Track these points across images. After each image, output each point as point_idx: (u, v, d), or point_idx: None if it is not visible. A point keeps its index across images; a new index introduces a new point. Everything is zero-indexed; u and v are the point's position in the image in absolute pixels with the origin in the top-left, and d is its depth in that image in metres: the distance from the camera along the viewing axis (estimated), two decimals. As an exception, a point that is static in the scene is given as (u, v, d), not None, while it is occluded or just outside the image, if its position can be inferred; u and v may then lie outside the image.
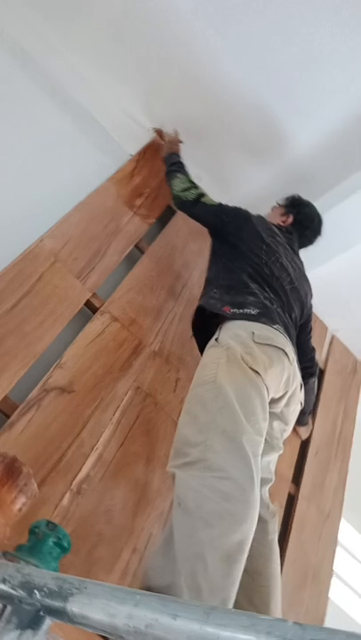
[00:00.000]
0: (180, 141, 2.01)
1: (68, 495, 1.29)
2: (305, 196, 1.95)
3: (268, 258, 1.56)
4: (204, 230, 1.83)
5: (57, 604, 0.48)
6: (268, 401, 1.27)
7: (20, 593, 0.50)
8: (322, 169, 2.15)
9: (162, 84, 2.12)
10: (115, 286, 1.72)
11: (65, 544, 0.84)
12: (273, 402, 1.34)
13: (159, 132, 2.13)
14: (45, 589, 0.49)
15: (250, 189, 2.31)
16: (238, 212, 1.69)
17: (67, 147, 1.99)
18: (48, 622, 0.49)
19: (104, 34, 2.02)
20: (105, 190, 1.87)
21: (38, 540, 0.82)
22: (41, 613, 0.49)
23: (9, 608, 0.51)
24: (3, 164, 1.75)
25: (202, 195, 1.74)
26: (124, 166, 2.00)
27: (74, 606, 0.46)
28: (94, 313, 1.61)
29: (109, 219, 1.82)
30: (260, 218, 1.73)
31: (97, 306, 1.62)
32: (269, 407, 1.31)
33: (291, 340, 1.44)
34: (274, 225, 1.75)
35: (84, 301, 1.59)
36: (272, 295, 1.49)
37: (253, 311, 1.39)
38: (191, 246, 2.09)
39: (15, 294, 1.44)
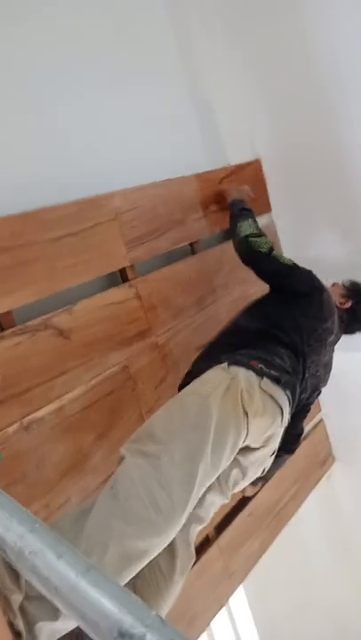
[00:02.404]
0: (251, 195, 1.93)
1: (16, 425, 1.31)
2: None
3: (315, 341, 1.52)
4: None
5: None
6: (240, 445, 1.27)
7: None
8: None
9: (294, 118, 2.15)
10: (154, 269, 1.75)
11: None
12: (245, 450, 1.32)
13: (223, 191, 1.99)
14: None
15: (319, 255, 2.31)
16: (313, 283, 1.59)
17: (181, 127, 2.03)
18: None
19: (267, 49, 2.07)
20: (190, 182, 1.90)
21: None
22: None
23: None
24: (124, 117, 1.78)
25: (273, 248, 1.62)
26: (218, 170, 2.03)
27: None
28: (123, 282, 1.63)
29: (181, 208, 1.85)
30: (329, 295, 1.64)
31: (129, 277, 1.65)
32: (240, 454, 1.31)
33: (292, 408, 1.43)
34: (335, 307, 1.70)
35: (120, 267, 1.62)
36: (299, 368, 1.47)
37: (275, 373, 1.38)
38: (238, 272, 2.09)
39: (64, 229, 1.47)
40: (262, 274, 1.63)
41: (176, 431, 1.17)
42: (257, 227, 1.68)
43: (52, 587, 0.40)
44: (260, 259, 1.60)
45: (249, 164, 2.18)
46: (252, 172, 2.19)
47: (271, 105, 2.18)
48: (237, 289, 2.06)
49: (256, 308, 1.64)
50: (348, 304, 1.74)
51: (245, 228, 1.65)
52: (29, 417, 1.33)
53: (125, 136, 1.78)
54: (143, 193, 1.72)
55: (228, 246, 2.07)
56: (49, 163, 1.53)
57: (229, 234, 1.76)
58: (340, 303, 1.74)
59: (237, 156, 2.18)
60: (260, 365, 1.38)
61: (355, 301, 1.75)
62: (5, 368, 1.29)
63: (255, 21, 2.06)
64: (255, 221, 1.70)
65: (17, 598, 0.89)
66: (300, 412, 1.64)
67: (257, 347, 1.45)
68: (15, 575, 0.89)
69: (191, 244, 1.92)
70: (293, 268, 1.59)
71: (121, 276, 1.65)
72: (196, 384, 1.35)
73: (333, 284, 1.81)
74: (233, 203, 1.80)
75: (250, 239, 1.62)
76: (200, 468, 1.12)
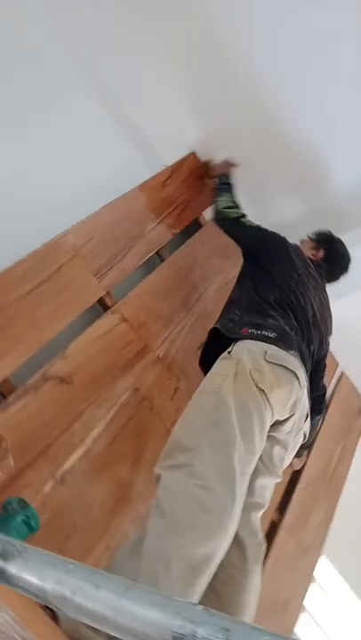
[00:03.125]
0: (234, 164, 2.06)
1: (50, 482, 1.31)
2: (334, 230, 1.97)
3: (297, 287, 1.56)
4: (230, 248, 1.86)
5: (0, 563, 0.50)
6: (269, 422, 1.27)
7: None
8: (354, 207, 2.16)
9: (214, 102, 2.16)
10: (130, 288, 1.76)
11: (33, 524, 0.87)
12: (277, 424, 1.33)
13: (207, 164, 2.18)
14: (-9, 548, 0.51)
15: (283, 215, 2.33)
16: (276, 237, 1.71)
17: (106, 147, 2.05)
18: (-12, 580, 0.51)
19: (168, 46, 2.08)
20: (135, 195, 1.92)
21: (8, 515, 0.85)
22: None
23: None
24: (44, 155, 1.81)
25: (243, 215, 1.79)
26: (157, 175, 2.05)
27: (12, 568, 0.49)
28: (105, 311, 1.65)
29: (135, 223, 1.87)
30: (296, 247, 1.73)
31: (109, 304, 1.66)
32: (273, 430, 1.31)
33: (305, 367, 1.44)
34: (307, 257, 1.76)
35: (97, 298, 1.64)
36: (294, 323, 1.49)
37: (271, 334, 1.40)
38: (213, 261, 2.12)
39: (32, 281, 1.49)
40: (234, 236, 1.79)
41: (199, 433, 1.18)
42: (232, 199, 1.87)
43: (100, 617, 0.41)
44: (230, 225, 1.80)
45: (185, 159, 2.20)
46: (191, 166, 2.21)
47: (188, 96, 2.20)
48: (217, 278, 2.08)
49: (238, 282, 1.69)
50: (321, 253, 1.77)
51: (222, 200, 1.86)
52: (60, 470, 1.34)
53: (57, 171, 1.81)
54: (94, 222, 1.74)
55: (193, 240, 2.10)
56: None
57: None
58: (313, 256, 1.76)
59: (172, 156, 2.19)
60: (249, 330, 1.40)
61: (326, 248, 1.77)
62: (21, 431, 1.30)
63: (155, 21, 2.08)
64: (232, 194, 1.90)
65: None
66: (317, 369, 1.64)
67: (248, 313, 1.47)
68: None
69: (157, 253, 1.94)
70: (258, 228, 1.73)
71: (101, 306, 1.67)
72: (204, 382, 1.36)
73: (301, 242, 1.83)
74: (221, 177, 2.00)
75: (223, 210, 1.82)
76: (235, 459, 1.13)
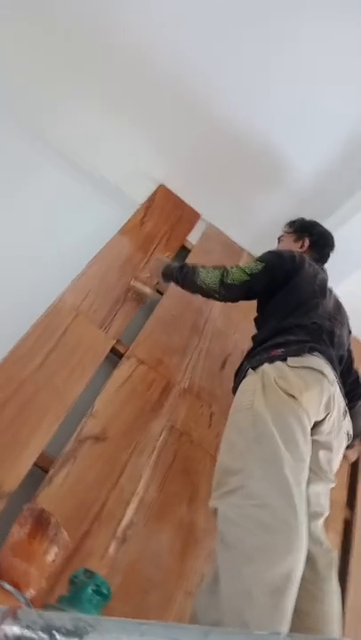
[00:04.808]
0: (167, 255, 1.94)
1: (113, 544, 1.29)
2: (315, 216, 1.98)
3: (317, 299, 1.52)
4: (220, 263, 1.86)
5: (74, 643, 0.48)
6: (308, 426, 1.25)
7: (42, 636, 0.52)
8: (329, 189, 2.17)
9: (168, 132, 2.22)
10: (138, 330, 1.77)
11: (104, 591, 0.85)
12: (316, 427, 1.30)
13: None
14: (63, 630, 0.50)
15: (265, 219, 2.35)
16: (291, 255, 1.60)
17: (79, 205, 2.10)
18: (70, 663, 0.50)
19: (109, 91, 2.15)
20: (118, 241, 1.95)
21: (78, 590, 0.83)
22: (61, 655, 0.49)
23: (35, 653, 0.52)
24: (22, 228, 1.86)
25: (243, 270, 1.56)
26: (133, 216, 2.08)
27: (89, 643, 0.47)
28: (120, 359, 1.65)
29: (125, 267, 1.89)
30: (301, 255, 1.64)
31: (122, 352, 1.66)
32: (313, 434, 1.28)
33: (331, 364, 1.40)
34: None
35: (108, 349, 1.64)
36: (314, 332, 1.45)
37: (291, 348, 1.38)
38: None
39: (43, 350, 1.50)
40: (260, 293, 1.61)
41: (244, 453, 1.16)
42: (210, 268, 1.61)
43: (188, 673, 0.39)
44: (251, 285, 1.55)
45: (155, 193, 2.23)
46: (163, 198, 2.25)
47: (142, 133, 2.24)
48: (211, 305, 2.08)
49: (262, 317, 1.64)
50: (306, 242, 1.76)
51: (206, 276, 1.58)
52: (120, 528, 1.32)
53: (38, 241, 1.85)
54: (87, 277, 1.76)
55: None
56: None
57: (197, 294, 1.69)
58: (301, 248, 1.75)
59: (143, 193, 2.24)
60: (280, 350, 1.37)
61: (308, 236, 1.77)
62: (71, 500, 1.29)
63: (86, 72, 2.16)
64: (203, 268, 1.62)
65: None
66: (345, 358, 1.61)
67: (269, 339, 1.45)
68: None
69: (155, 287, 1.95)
70: (266, 265, 1.57)
71: (115, 355, 1.67)
72: (235, 401, 1.35)
73: (280, 240, 1.83)
74: (165, 271, 1.74)
75: (227, 282, 1.55)
76: (286, 470, 1.10)
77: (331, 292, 1.64)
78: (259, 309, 1.66)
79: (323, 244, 1.78)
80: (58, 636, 0.50)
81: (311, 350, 1.35)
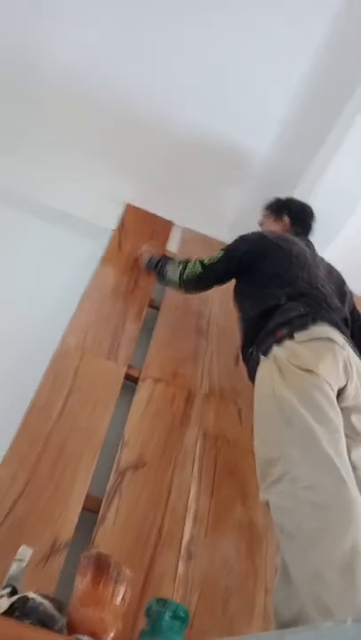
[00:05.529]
0: (153, 244, 2.06)
1: (181, 564, 1.29)
2: (288, 190, 1.99)
3: (302, 267, 1.53)
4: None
5: None
6: (333, 395, 1.25)
7: None
8: (289, 160, 2.17)
9: (117, 153, 2.25)
10: (145, 350, 1.78)
11: (182, 614, 0.85)
12: (340, 394, 1.30)
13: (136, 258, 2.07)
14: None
15: (236, 208, 2.35)
16: (253, 238, 1.65)
17: (57, 249, 2.12)
18: None
19: (51, 133, 2.18)
20: (102, 271, 1.97)
21: (155, 621, 0.84)
22: None
23: None
24: (5, 286, 1.89)
25: (201, 261, 1.66)
26: (110, 243, 2.10)
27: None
28: (136, 383, 1.66)
29: (116, 294, 1.91)
30: (271, 233, 1.69)
31: (136, 376, 1.67)
32: (340, 402, 1.28)
33: (338, 328, 1.40)
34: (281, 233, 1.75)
35: (122, 377, 1.65)
36: (312, 300, 1.46)
37: (293, 325, 1.37)
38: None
39: (60, 397, 1.51)
40: (219, 281, 1.70)
41: (278, 439, 1.16)
42: (177, 263, 1.76)
43: None
44: (206, 277, 1.67)
45: (124, 214, 2.26)
46: (133, 217, 2.27)
47: (94, 160, 2.27)
48: (212, 293, 2.07)
49: (240, 298, 1.66)
50: (287, 220, 1.77)
51: (172, 273, 1.74)
52: (182, 547, 1.32)
53: (22, 295, 1.87)
54: (81, 315, 1.77)
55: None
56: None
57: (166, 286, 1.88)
58: (283, 227, 1.76)
59: (112, 218, 2.26)
60: (285, 329, 1.38)
61: (287, 212, 1.78)
62: (127, 534, 1.29)
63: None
64: (172, 262, 1.80)
65: None
66: (349, 319, 1.60)
67: (269, 321, 1.45)
68: None
69: (150, 306, 1.96)
70: (227, 251, 1.65)
71: (131, 381, 1.68)
72: (257, 391, 1.35)
73: (261, 223, 1.84)
74: (148, 262, 1.92)
75: (183, 277, 1.69)
76: (324, 446, 1.10)
77: (319, 259, 1.65)
78: (239, 291, 1.66)
79: (303, 217, 1.80)
80: None
81: (314, 321, 1.35)
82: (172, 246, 2.27)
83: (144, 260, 1.96)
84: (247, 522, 1.43)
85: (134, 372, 1.68)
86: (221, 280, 1.69)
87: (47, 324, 1.76)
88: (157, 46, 1.94)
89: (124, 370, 1.67)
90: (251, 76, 1.98)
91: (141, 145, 2.19)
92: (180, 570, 1.28)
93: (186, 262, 1.70)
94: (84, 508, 1.30)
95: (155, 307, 1.97)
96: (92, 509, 1.32)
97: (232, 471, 1.53)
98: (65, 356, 1.63)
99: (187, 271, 1.67)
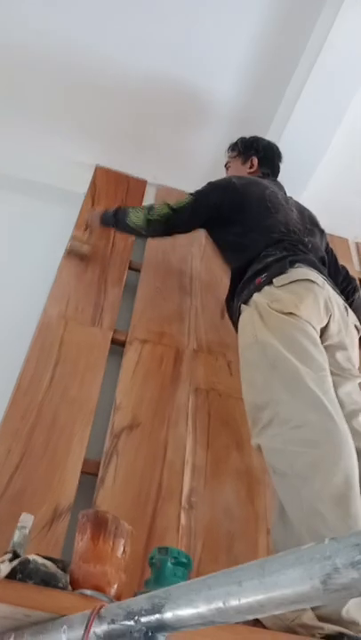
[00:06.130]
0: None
1: (183, 514, 1.33)
2: (258, 131, 1.93)
3: (276, 210, 1.51)
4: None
5: (155, 618, 0.50)
6: (317, 335, 1.26)
7: (128, 624, 0.54)
8: (258, 99, 2.09)
9: (79, 116, 2.16)
10: (129, 313, 1.77)
11: (183, 560, 0.87)
12: (323, 333, 1.32)
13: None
14: (143, 611, 0.52)
15: (209, 157, 2.30)
16: (223, 185, 1.61)
17: (28, 220, 2.07)
18: (160, 638, 0.52)
19: (10, 100, 2.09)
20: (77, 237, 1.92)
21: (158, 569, 0.86)
22: (149, 633, 0.52)
23: (128, 641, 0.54)
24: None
25: (169, 204, 1.61)
26: (82, 207, 2.05)
27: (167, 614, 0.49)
28: (123, 346, 1.65)
29: (94, 259, 1.88)
30: (241, 179, 1.66)
31: (123, 339, 1.67)
32: (323, 341, 1.29)
33: (316, 269, 1.41)
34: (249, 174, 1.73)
35: (109, 342, 1.64)
36: (288, 245, 1.45)
37: (271, 271, 1.37)
38: (179, 241, 2.09)
39: (47, 368, 1.51)
40: (187, 227, 1.65)
41: (265, 384, 1.17)
42: (139, 208, 1.69)
43: (258, 607, 0.41)
44: (174, 221, 1.60)
45: (94, 177, 2.21)
46: (104, 178, 2.21)
47: (51, 128, 2.19)
48: (192, 250, 2.06)
49: (221, 249, 1.65)
50: (255, 160, 1.74)
51: (134, 216, 1.63)
52: (183, 498, 1.35)
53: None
54: (61, 284, 1.75)
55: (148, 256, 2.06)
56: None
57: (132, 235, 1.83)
58: (250, 168, 1.73)
59: (83, 183, 2.19)
60: (263, 276, 1.37)
61: (254, 153, 1.74)
62: (128, 491, 1.32)
63: None
64: (133, 208, 1.70)
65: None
66: (326, 258, 1.60)
67: (248, 270, 1.44)
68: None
69: (130, 268, 1.93)
70: (196, 197, 1.60)
71: (118, 345, 1.66)
72: (240, 339, 1.36)
73: (228, 166, 1.81)
74: (102, 219, 1.79)
75: (150, 218, 1.60)
76: (310, 384, 1.11)
77: (290, 201, 1.62)
78: (219, 244, 1.64)
79: (271, 157, 1.77)
80: (142, 619, 0.52)
81: (292, 264, 1.34)
82: (147, 205, 2.21)
83: (95, 220, 1.82)
84: (244, 468, 1.46)
85: (120, 336, 1.67)
86: (188, 225, 1.63)
87: (27, 296, 1.74)
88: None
89: (110, 334, 1.66)
90: (207, 17, 1.88)
91: (102, 104, 2.11)
92: (183, 521, 1.31)
93: (151, 206, 1.65)
94: (82, 472, 1.32)
95: (135, 269, 1.94)
96: (90, 472, 1.34)
97: (226, 422, 1.55)
98: (48, 327, 1.61)
99: (154, 212, 1.59)
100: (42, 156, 2.19)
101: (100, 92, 2.06)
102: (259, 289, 1.33)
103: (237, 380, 1.64)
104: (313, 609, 0.87)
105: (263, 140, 1.81)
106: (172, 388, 1.59)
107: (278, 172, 1.79)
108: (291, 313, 1.22)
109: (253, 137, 1.82)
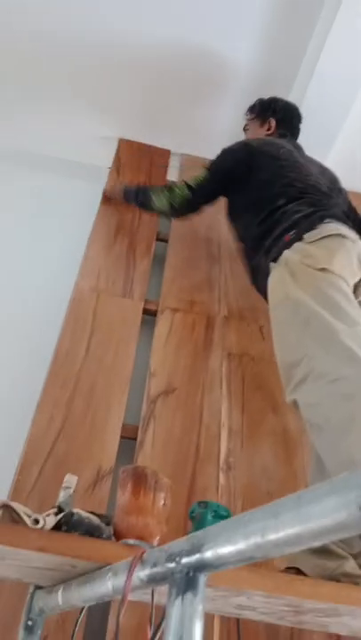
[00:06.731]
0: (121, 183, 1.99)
1: (221, 475, 1.35)
2: (279, 92, 1.87)
3: (292, 169, 1.49)
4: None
5: (195, 558, 0.52)
6: (350, 290, 1.23)
7: (169, 566, 0.56)
8: (277, 64, 2.02)
9: (99, 89, 2.15)
10: (159, 283, 1.78)
11: (223, 513, 0.89)
12: (357, 289, 1.28)
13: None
14: (184, 552, 0.54)
15: (230, 123, 2.24)
16: (235, 149, 1.62)
17: (57, 197, 2.09)
18: (202, 578, 0.54)
19: (30, 80, 2.10)
20: (104, 211, 1.94)
21: (198, 522, 0.88)
22: (190, 573, 0.53)
23: (169, 584, 0.56)
24: (11, 243, 1.89)
25: (188, 185, 1.64)
26: (108, 180, 2.05)
27: (207, 553, 0.51)
28: (155, 316, 1.67)
29: (122, 232, 1.89)
30: (255, 140, 1.66)
31: (154, 309, 1.68)
32: (356, 295, 1.26)
33: (346, 223, 1.38)
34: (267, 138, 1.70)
35: (141, 312, 1.67)
36: (312, 199, 1.42)
37: (299, 227, 1.34)
38: (205, 209, 2.08)
39: (83, 341, 1.55)
40: (211, 198, 1.67)
41: (298, 341, 1.16)
42: (160, 190, 1.71)
43: (296, 539, 0.42)
44: (196, 200, 1.64)
45: (118, 150, 2.20)
46: (128, 150, 2.21)
47: (72, 104, 2.18)
48: (218, 217, 2.03)
49: (234, 213, 1.63)
50: (272, 122, 1.70)
51: (158, 202, 1.69)
52: (221, 459, 1.37)
53: (31, 245, 1.87)
54: (90, 257, 1.78)
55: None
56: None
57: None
58: (268, 130, 1.69)
59: (107, 157, 2.19)
60: (293, 232, 1.34)
61: (272, 114, 1.70)
62: (167, 454, 1.35)
63: None
64: (154, 190, 1.74)
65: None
66: (350, 214, 1.55)
67: (274, 228, 1.42)
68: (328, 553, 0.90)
69: (158, 239, 1.94)
70: (212, 168, 1.62)
71: (150, 315, 1.68)
72: (271, 298, 1.34)
73: (246, 129, 1.77)
74: (124, 195, 1.85)
75: (174, 205, 1.66)
76: (345, 339, 1.09)
77: (308, 159, 1.58)
78: (238, 208, 1.62)
79: (289, 118, 1.72)
80: (182, 560, 0.54)
81: (322, 219, 1.32)
82: (173, 175, 2.20)
83: (118, 193, 1.88)
84: (281, 429, 1.47)
85: (152, 306, 1.69)
86: (210, 197, 1.67)
87: (57, 271, 1.77)
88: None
89: (141, 305, 1.68)
90: None
91: (121, 77, 2.09)
92: (222, 481, 1.34)
93: (170, 188, 1.67)
94: (122, 437, 1.36)
95: (162, 239, 1.94)
96: (130, 437, 1.38)
97: (260, 385, 1.56)
98: (81, 300, 1.64)
99: (176, 198, 1.64)
100: (64, 132, 2.20)
101: (117, 67, 2.04)
102: (288, 246, 1.30)
103: (270, 344, 1.63)
104: (355, 558, 0.88)
105: (281, 100, 1.76)
106: (205, 354, 1.60)
107: (297, 132, 1.74)
108: (323, 268, 1.20)
109: (272, 98, 1.77)
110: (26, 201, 2.06)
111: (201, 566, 0.52)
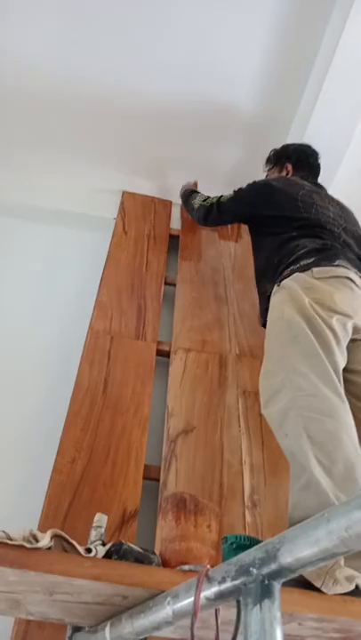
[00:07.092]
0: (194, 182, 2.20)
1: (247, 513, 1.33)
2: (279, 139, 1.99)
3: (309, 210, 1.55)
4: (213, 231, 1.91)
5: (272, 565, 0.53)
6: (343, 331, 1.25)
7: (242, 579, 0.56)
8: (275, 106, 2.13)
9: (102, 144, 2.26)
10: (170, 324, 1.81)
11: (246, 542, 0.88)
12: (356, 331, 1.29)
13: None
14: (257, 561, 0.54)
15: (232, 167, 2.35)
16: (258, 186, 1.72)
17: (65, 249, 2.15)
18: (276, 586, 0.54)
19: (27, 136, 2.20)
20: (113, 257, 2.00)
21: (224, 556, 0.87)
22: (265, 582, 0.54)
23: (243, 596, 0.56)
24: (25, 295, 1.93)
25: (220, 196, 1.83)
26: (114, 230, 2.13)
27: (285, 557, 0.51)
28: (168, 357, 1.69)
29: (132, 275, 1.94)
30: (278, 179, 1.75)
31: (167, 350, 1.71)
32: (354, 334, 1.28)
33: (356, 267, 1.43)
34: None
35: (154, 353, 1.69)
36: (326, 239, 1.48)
37: (309, 260, 1.40)
38: (209, 252, 2.17)
39: (100, 381, 1.55)
40: (226, 216, 1.82)
41: (283, 353, 1.21)
42: (201, 196, 1.93)
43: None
44: (220, 211, 1.80)
45: (122, 202, 2.29)
46: (131, 201, 2.30)
47: (76, 158, 2.30)
48: (224, 260, 2.11)
49: (256, 245, 1.70)
50: (289, 167, 1.79)
51: (192, 201, 1.97)
52: (245, 497, 1.36)
53: (42, 297, 1.90)
54: (103, 301, 1.81)
55: (182, 251, 2.14)
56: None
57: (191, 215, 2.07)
58: (287, 173, 1.78)
59: (112, 208, 2.28)
60: (302, 264, 1.39)
61: (288, 160, 1.79)
62: (193, 491, 1.33)
63: None
64: (198, 194, 1.99)
65: None
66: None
67: (280, 263, 1.48)
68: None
69: (166, 283, 1.99)
70: (238, 193, 1.75)
71: (163, 356, 1.71)
72: (268, 319, 1.40)
73: (266, 173, 1.86)
74: (180, 193, 2.14)
75: (201, 204, 1.89)
76: (327, 363, 1.15)
77: (329, 199, 1.65)
78: (256, 243, 1.70)
79: (304, 158, 1.81)
80: (257, 569, 0.54)
81: (332, 259, 1.37)
82: (176, 224, 2.29)
83: (182, 189, 2.17)
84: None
85: (164, 347, 1.72)
86: (227, 216, 1.83)
87: (70, 316, 1.80)
88: (117, 28, 1.93)
89: (154, 346, 1.70)
90: (215, 32, 1.94)
91: (123, 130, 2.20)
92: (248, 518, 1.32)
93: (208, 196, 1.92)
94: (144, 478, 1.34)
95: (170, 283, 2.00)
96: (153, 478, 1.37)
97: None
98: (96, 343, 1.66)
99: (207, 200, 1.87)
100: (68, 186, 2.30)
101: (119, 119, 2.16)
102: (296, 274, 1.36)
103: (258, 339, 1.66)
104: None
105: (293, 144, 1.87)
106: (221, 391, 1.61)
107: (317, 169, 1.82)
108: (326, 305, 1.25)
109: (283, 145, 1.89)
110: (32, 253, 2.12)
111: (277, 573, 0.53)
